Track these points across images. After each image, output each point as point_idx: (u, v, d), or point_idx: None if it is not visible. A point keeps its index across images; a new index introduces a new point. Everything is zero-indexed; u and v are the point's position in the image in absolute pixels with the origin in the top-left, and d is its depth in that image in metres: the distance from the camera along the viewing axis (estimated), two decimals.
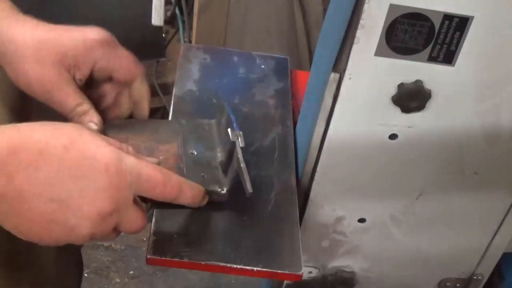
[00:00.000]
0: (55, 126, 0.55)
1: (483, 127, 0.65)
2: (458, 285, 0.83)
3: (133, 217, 0.58)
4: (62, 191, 0.53)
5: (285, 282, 0.81)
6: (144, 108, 0.73)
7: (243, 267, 0.60)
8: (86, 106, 0.67)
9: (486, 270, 0.82)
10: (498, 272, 0.85)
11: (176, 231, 0.62)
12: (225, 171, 0.66)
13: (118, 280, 1.46)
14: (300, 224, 0.69)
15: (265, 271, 0.60)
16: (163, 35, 1.87)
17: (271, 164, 0.72)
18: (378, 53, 0.58)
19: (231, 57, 0.89)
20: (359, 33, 0.57)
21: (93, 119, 0.68)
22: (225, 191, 0.64)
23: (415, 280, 0.83)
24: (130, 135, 0.69)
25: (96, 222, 0.55)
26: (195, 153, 0.69)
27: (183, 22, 1.80)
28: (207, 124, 0.73)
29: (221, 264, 0.60)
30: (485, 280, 0.83)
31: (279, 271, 0.60)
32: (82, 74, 0.67)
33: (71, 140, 0.54)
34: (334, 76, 0.62)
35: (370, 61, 0.59)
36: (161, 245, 0.60)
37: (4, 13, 0.66)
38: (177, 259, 0.59)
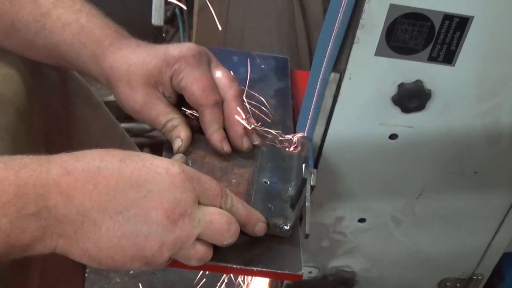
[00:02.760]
0: (107, 149, 0.54)
1: (483, 127, 0.65)
2: (458, 285, 0.83)
3: (199, 246, 0.55)
4: (126, 202, 0.52)
5: (285, 282, 0.81)
6: (235, 132, 0.69)
7: (243, 267, 0.60)
8: (176, 121, 0.68)
9: (486, 270, 0.82)
10: (498, 272, 0.85)
11: None
12: (292, 206, 0.64)
13: (118, 280, 1.46)
14: (300, 225, 0.69)
15: (265, 271, 0.60)
16: (163, 35, 1.87)
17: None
18: (378, 53, 0.58)
19: (231, 57, 0.89)
20: (359, 33, 0.57)
21: (180, 134, 0.68)
22: (288, 227, 0.62)
23: (415, 280, 0.83)
24: (209, 153, 0.68)
25: (167, 228, 0.52)
26: (268, 182, 0.67)
27: (183, 22, 1.80)
28: (288, 156, 0.70)
29: (221, 264, 0.60)
30: (485, 280, 0.83)
31: (279, 271, 0.60)
32: (167, 90, 0.68)
33: (126, 154, 0.54)
34: (334, 76, 0.62)
35: (370, 61, 0.59)
36: None
37: (108, 41, 0.69)
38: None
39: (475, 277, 0.82)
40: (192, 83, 0.67)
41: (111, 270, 0.55)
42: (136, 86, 0.68)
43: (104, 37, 0.69)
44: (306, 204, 0.60)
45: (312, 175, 0.61)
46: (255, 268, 0.60)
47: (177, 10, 1.80)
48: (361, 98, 0.62)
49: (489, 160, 0.68)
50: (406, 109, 0.62)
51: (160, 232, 0.52)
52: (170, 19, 1.87)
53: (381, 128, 0.64)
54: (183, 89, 0.68)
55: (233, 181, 0.66)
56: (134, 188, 0.52)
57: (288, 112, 0.81)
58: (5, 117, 0.66)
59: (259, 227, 0.61)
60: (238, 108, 0.69)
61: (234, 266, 0.60)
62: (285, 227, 0.62)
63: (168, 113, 0.68)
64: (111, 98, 1.87)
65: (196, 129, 0.69)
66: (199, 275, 1.45)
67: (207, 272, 0.82)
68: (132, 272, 1.48)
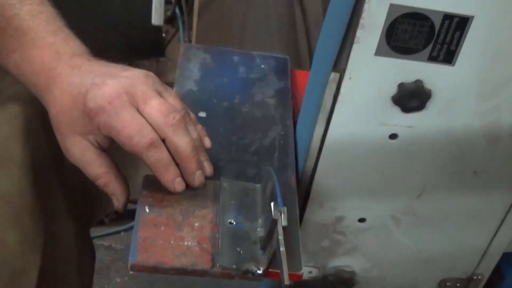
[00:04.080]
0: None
1: (483, 127, 0.65)
2: (458, 285, 0.83)
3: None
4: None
5: None
6: (183, 169, 0.62)
7: None
8: (105, 177, 0.62)
9: (486, 270, 0.82)
10: (498, 272, 0.85)
11: None
12: (263, 248, 0.60)
13: (118, 280, 1.46)
14: (300, 224, 0.69)
15: None
16: (163, 34, 1.87)
17: (271, 164, 0.72)
18: (378, 53, 0.58)
19: (231, 57, 0.89)
20: (359, 33, 0.57)
21: (114, 190, 0.63)
22: (261, 271, 0.59)
23: (415, 280, 0.83)
24: (166, 195, 0.63)
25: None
26: (234, 222, 0.62)
27: (183, 22, 1.80)
28: (252, 189, 0.66)
29: None
30: (485, 280, 0.83)
31: (279, 271, 0.60)
32: (99, 138, 0.62)
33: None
34: (334, 76, 0.62)
35: (370, 61, 0.59)
36: None
37: (58, 69, 0.63)
38: None
39: (475, 277, 0.82)
40: (118, 134, 0.59)
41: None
42: (66, 135, 0.62)
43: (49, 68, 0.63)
44: (281, 249, 0.55)
45: (282, 214, 0.56)
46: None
47: (177, 10, 1.80)
48: (361, 98, 0.62)
49: (489, 160, 0.68)
50: (406, 109, 0.62)
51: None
52: (170, 19, 1.87)
53: (381, 128, 0.64)
54: (115, 139, 0.60)
55: (196, 224, 0.61)
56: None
57: (288, 112, 0.81)
58: (12, 107, 0.68)
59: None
60: (181, 141, 0.61)
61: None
62: (258, 271, 0.59)
63: (97, 167, 0.62)
64: None
65: None
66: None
67: None
68: (132, 272, 1.48)
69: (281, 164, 0.73)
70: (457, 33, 0.57)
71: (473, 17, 0.56)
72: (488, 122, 0.64)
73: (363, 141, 0.66)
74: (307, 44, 1.39)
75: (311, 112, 0.68)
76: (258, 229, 0.62)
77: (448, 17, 0.56)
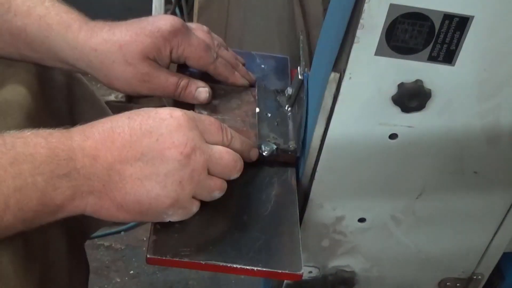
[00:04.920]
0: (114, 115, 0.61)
1: (483, 127, 0.65)
2: (458, 284, 0.83)
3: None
4: (142, 148, 0.58)
5: (285, 281, 0.81)
6: (234, 82, 0.80)
7: (243, 267, 0.60)
8: (185, 78, 0.75)
9: (486, 269, 0.82)
10: (498, 271, 0.85)
11: (176, 231, 0.62)
12: (292, 105, 0.77)
13: (118, 280, 1.46)
14: (300, 224, 0.69)
15: (265, 270, 0.60)
16: None
17: (271, 164, 0.72)
18: (378, 52, 0.58)
19: None
20: (359, 32, 0.57)
21: (199, 84, 0.76)
22: (295, 147, 0.72)
23: (415, 280, 0.83)
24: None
25: (182, 162, 0.58)
26: (269, 115, 0.76)
27: None
28: (278, 95, 0.81)
29: (221, 264, 0.60)
30: (485, 279, 0.83)
31: (279, 271, 0.60)
32: (164, 62, 0.74)
33: (131, 112, 0.60)
34: (334, 76, 0.62)
35: (370, 60, 0.59)
36: (161, 244, 0.60)
37: (76, 24, 0.71)
38: (177, 259, 0.59)
39: (475, 277, 0.82)
40: (195, 50, 0.74)
41: (138, 221, 0.62)
42: (136, 63, 0.71)
43: (72, 20, 0.71)
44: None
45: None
46: (255, 268, 0.60)
47: (177, 10, 1.80)
48: (361, 98, 0.62)
49: (489, 160, 0.68)
50: (406, 109, 0.62)
51: (177, 167, 0.58)
52: None
53: (381, 128, 0.64)
54: (188, 57, 0.75)
55: (238, 119, 0.75)
56: (145, 136, 0.58)
57: None
58: (14, 119, 0.67)
59: (253, 152, 0.70)
60: (227, 55, 0.80)
61: (234, 266, 0.60)
62: (291, 147, 0.72)
63: (175, 75, 0.75)
64: (111, 98, 1.87)
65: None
66: (198, 275, 1.45)
67: (206, 272, 0.82)
68: (132, 272, 1.48)
69: (281, 164, 0.73)
70: (457, 33, 0.57)
71: (473, 17, 0.56)
72: (488, 122, 0.64)
73: (363, 141, 0.66)
74: (307, 44, 1.39)
75: (311, 112, 0.68)
76: (287, 88, 0.80)
77: (448, 17, 0.56)
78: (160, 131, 0.58)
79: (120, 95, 1.75)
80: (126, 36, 0.71)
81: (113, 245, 1.54)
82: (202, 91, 0.76)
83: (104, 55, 0.70)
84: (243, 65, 0.84)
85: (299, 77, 0.73)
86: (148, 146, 0.58)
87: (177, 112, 0.60)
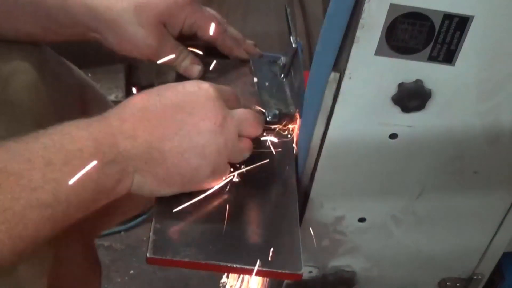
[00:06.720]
0: (144, 92, 0.63)
1: (483, 126, 0.65)
2: (458, 284, 0.83)
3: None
4: (177, 124, 0.60)
5: (285, 281, 0.81)
6: (239, 55, 0.84)
7: (243, 266, 0.60)
8: (185, 52, 0.78)
9: (486, 269, 0.82)
10: (498, 271, 0.85)
11: (176, 231, 0.62)
12: (286, 76, 0.81)
13: (118, 280, 1.46)
14: (300, 224, 0.69)
15: (265, 270, 0.60)
16: None
17: (271, 164, 0.72)
18: (378, 52, 0.58)
19: None
20: (359, 32, 0.57)
21: (194, 60, 0.79)
22: (293, 109, 0.76)
23: (415, 280, 0.83)
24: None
25: (217, 132, 0.61)
26: (267, 84, 0.80)
27: None
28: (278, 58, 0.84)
29: (221, 264, 0.60)
30: (485, 279, 0.83)
31: (279, 271, 0.60)
32: (174, 30, 0.76)
33: (160, 89, 0.63)
34: (334, 76, 0.62)
35: (370, 60, 0.59)
36: (161, 244, 0.60)
37: None
38: (177, 259, 0.59)
39: (475, 277, 0.82)
40: (207, 21, 0.78)
41: (179, 194, 0.63)
42: (148, 25, 0.73)
43: None
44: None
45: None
46: (255, 268, 0.60)
47: None
48: (361, 97, 0.62)
49: (489, 160, 0.68)
50: (406, 109, 0.62)
51: (213, 137, 0.61)
52: None
53: (381, 128, 0.64)
54: (200, 27, 0.78)
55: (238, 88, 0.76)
56: (178, 111, 0.61)
57: None
58: (22, 125, 0.67)
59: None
60: (234, 32, 0.84)
61: (234, 266, 0.60)
62: (292, 110, 0.76)
63: (179, 45, 0.77)
64: (111, 98, 1.86)
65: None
66: (198, 275, 1.45)
67: (206, 272, 0.82)
68: (132, 272, 1.48)
69: (281, 164, 0.73)
70: (457, 33, 0.57)
71: (473, 17, 0.56)
72: (488, 122, 0.64)
73: (363, 141, 0.66)
74: (307, 44, 1.39)
75: (311, 112, 0.68)
76: (281, 58, 0.83)
77: (448, 17, 0.56)
78: (191, 104, 0.61)
79: (120, 94, 1.75)
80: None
81: (113, 245, 1.54)
82: (195, 67, 0.79)
83: (118, 14, 0.72)
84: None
85: (293, 45, 0.76)
86: (182, 121, 0.60)
87: (204, 85, 0.63)
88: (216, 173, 0.64)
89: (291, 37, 0.77)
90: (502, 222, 0.75)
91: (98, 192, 0.57)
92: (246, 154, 0.67)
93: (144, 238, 1.53)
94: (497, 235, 0.77)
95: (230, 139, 0.63)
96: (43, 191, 0.52)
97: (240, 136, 0.65)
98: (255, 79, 0.81)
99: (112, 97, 1.76)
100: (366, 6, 0.55)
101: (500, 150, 0.67)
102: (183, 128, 0.61)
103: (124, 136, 0.58)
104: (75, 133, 0.56)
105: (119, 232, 1.56)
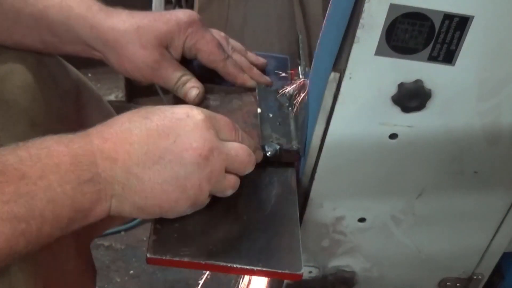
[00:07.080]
0: (133, 111, 0.60)
1: (483, 126, 0.65)
2: (458, 284, 0.83)
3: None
4: (160, 151, 0.57)
5: (285, 281, 0.81)
6: (243, 82, 0.81)
7: (243, 266, 0.60)
8: (189, 75, 0.76)
9: (486, 269, 0.82)
10: (498, 271, 0.85)
11: (176, 231, 0.62)
12: (293, 107, 0.77)
13: (118, 280, 1.46)
14: (300, 224, 0.69)
15: (265, 270, 0.60)
16: None
17: (271, 164, 0.72)
18: (378, 52, 0.58)
19: None
20: (359, 32, 0.57)
21: (195, 84, 0.76)
22: (297, 146, 0.72)
23: (415, 280, 0.83)
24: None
25: (201, 165, 0.58)
26: (271, 115, 0.77)
27: None
28: (278, 94, 0.81)
29: (221, 264, 0.60)
30: (485, 279, 0.83)
31: (280, 271, 0.60)
32: (176, 53, 0.76)
33: (148, 111, 0.60)
34: (334, 76, 0.62)
35: (370, 60, 0.59)
36: (161, 244, 0.60)
37: (96, 6, 0.73)
38: (177, 259, 0.59)
39: (475, 277, 0.82)
40: (208, 43, 0.76)
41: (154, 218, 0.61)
42: (149, 46, 0.73)
43: (92, 2, 0.72)
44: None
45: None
46: (255, 268, 0.60)
47: None
48: (361, 97, 0.62)
49: (489, 160, 0.68)
50: (406, 109, 0.62)
51: (195, 169, 0.58)
52: None
53: (381, 128, 0.64)
54: (200, 50, 0.76)
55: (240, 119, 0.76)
56: (162, 137, 0.58)
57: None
58: (18, 126, 0.67)
59: (257, 154, 0.68)
60: (241, 59, 0.81)
61: (234, 266, 0.60)
62: (294, 147, 0.72)
63: (180, 69, 0.76)
64: (112, 98, 1.86)
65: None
66: (198, 275, 1.45)
67: (207, 272, 0.82)
68: (132, 271, 1.48)
69: (281, 164, 0.73)
70: (457, 33, 0.57)
71: (473, 17, 0.56)
72: (488, 122, 0.64)
73: (363, 141, 0.66)
74: (307, 44, 1.39)
75: (311, 112, 0.68)
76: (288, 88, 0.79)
77: (448, 17, 0.56)
78: (177, 132, 0.58)
79: (120, 95, 1.75)
80: (144, 20, 0.73)
81: (113, 245, 1.54)
82: (193, 90, 0.76)
83: (120, 34, 0.72)
84: (265, 65, 0.86)
85: (300, 76, 0.74)
86: (165, 149, 0.57)
87: (194, 111, 0.60)
88: (195, 206, 0.61)
89: (299, 67, 0.75)
90: (502, 222, 0.75)
91: (75, 210, 0.55)
92: (229, 192, 0.63)
93: (144, 238, 1.53)
94: (497, 235, 0.77)
95: (215, 174, 0.60)
96: (15, 205, 0.50)
97: (227, 172, 0.62)
98: (259, 110, 0.77)
99: (112, 97, 1.76)
100: (366, 6, 0.55)
101: (500, 150, 0.67)
102: (165, 157, 0.57)
103: (104, 156, 0.56)
104: (54, 147, 0.54)
105: (119, 232, 1.56)
